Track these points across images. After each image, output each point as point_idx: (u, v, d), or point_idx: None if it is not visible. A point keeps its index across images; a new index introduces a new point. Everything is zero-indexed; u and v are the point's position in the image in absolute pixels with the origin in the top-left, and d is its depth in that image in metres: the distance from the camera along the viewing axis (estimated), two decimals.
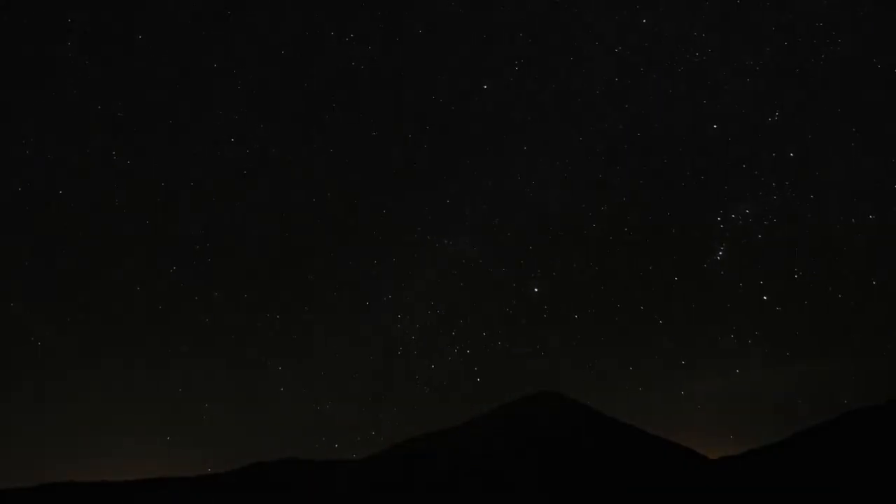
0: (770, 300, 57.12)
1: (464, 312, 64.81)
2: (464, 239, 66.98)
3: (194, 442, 59.47)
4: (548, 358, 62.83)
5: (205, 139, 67.18)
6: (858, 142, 57.43)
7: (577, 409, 50.02)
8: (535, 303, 64.14)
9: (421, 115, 67.96)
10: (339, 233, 67.96)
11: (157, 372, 63.12)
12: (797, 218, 58.83)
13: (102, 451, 58.74)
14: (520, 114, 68.23)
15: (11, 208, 61.62)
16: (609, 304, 63.52)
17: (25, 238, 63.03)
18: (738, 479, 37.44)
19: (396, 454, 47.03)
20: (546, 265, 65.89)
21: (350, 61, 65.24)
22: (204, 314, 63.02)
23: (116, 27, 63.99)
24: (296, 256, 67.66)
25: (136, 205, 64.33)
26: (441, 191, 67.37)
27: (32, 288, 62.06)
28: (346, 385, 64.40)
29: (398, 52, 66.75)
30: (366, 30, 65.11)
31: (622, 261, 64.52)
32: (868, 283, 55.73)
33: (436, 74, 68.47)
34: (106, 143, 63.06)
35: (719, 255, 59.05)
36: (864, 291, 56.10)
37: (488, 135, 69.02)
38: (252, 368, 64.29)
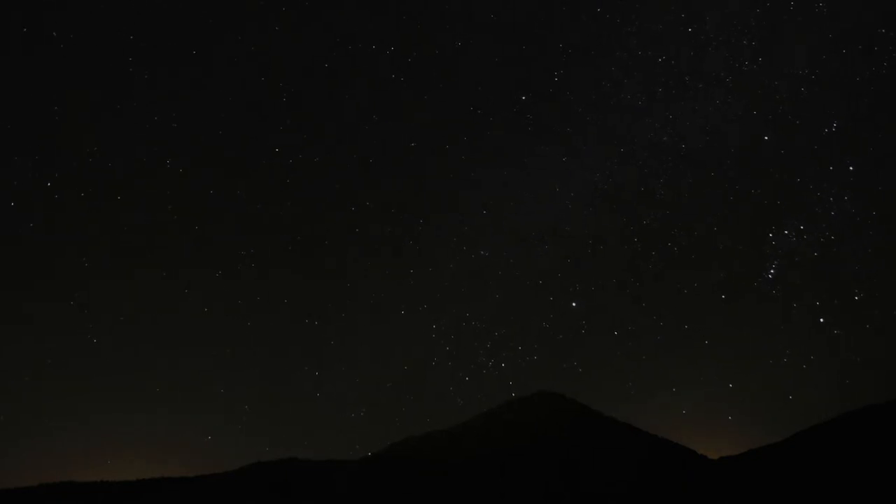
0: (827, 322, 53.60)
1: (499, 325, 62.82)
2: (501, 250, 64.85)
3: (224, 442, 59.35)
4: (585, 375, 60.45)
5: (258, 154, 67.42)
6: None
7: (577, 409, 49.97)
8: (573, 318, 61.66)
9: (458, 124, 66.57)
10: (377, 241, 66.56)
11: (187, 374, 63.27)
12: (858, 235, 54.82)
13: (102, 451, 58.76)
14: (559, 124, 65.82)
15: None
16: (650, 322, 60.62)
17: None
18: (738, 479, 37.43)
19: (396, 454, 47.00)
20: (585, 279, 63.70)
21: (391, 73, 64.12)
22: (245, 318, 63.24)
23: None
24: (334, 264, 66.85)
25: (185, 213, 64.68)
26: (478, 201, 65.52)
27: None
28: (378, 393, 63.63)
29: (435, 63, 65.56)
30: (404, 42, 64.03)
31: (665, 277, 61.65)
32: None
33: (475, 85, 66.66)
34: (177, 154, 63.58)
35: (770, 274, 55.74)
36: None
37: (526, 145, 66.51)
38: (288, 372, 63.84)
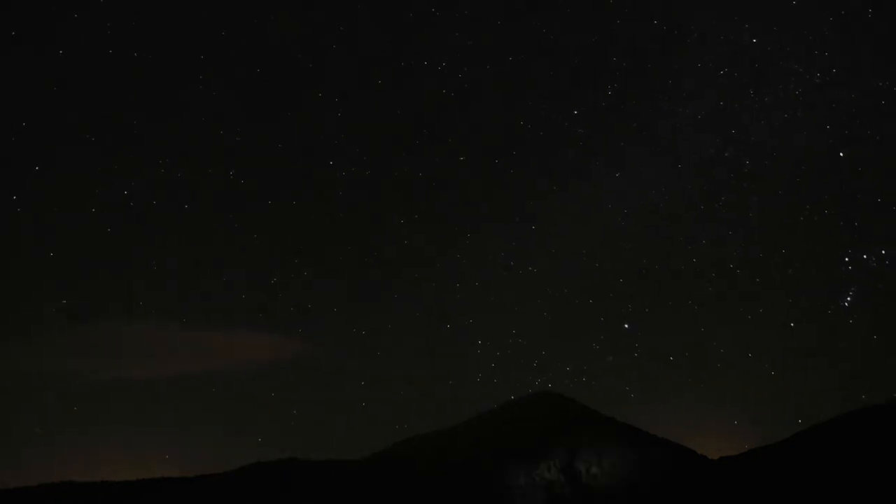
0: None
1: (546, 344, 59.63)
2: (550, 268, 61.71)
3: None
4: (638, 400, 56.19)
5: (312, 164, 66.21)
6: None
7: (577, 409, 49.94)
8: (625, 340, 57.87)
9: (508, 140, 64.07)
10: (422, 255, 64.79)
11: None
12: None
13: (102, 451, 58.71)
14: (612, 139, 62.36)
15: None
16: (710, 347, 55.81)
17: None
18: (738, 479, 37.44)
19: (396, 454, 47.01)
20: (639, 300, 59.90)
21: (441, 89, 62.25)
22: (297, 325, 63.15)
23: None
24: (380, 275, 65.15)
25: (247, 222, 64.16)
26: (527, 216, 63.01)
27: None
28: (423, 409, 63.37)
29: (485, 80, 63.24)
30: (456, 58, 62.42)
31: (726, 301, 56.93)
32: None
33: (525, 100, 64.66)
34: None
35: (847, 301, 50.69)
36: None
37: (578, 159, 62.84)
38: (334, 380, 63.06)
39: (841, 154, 54.28)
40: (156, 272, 62.04)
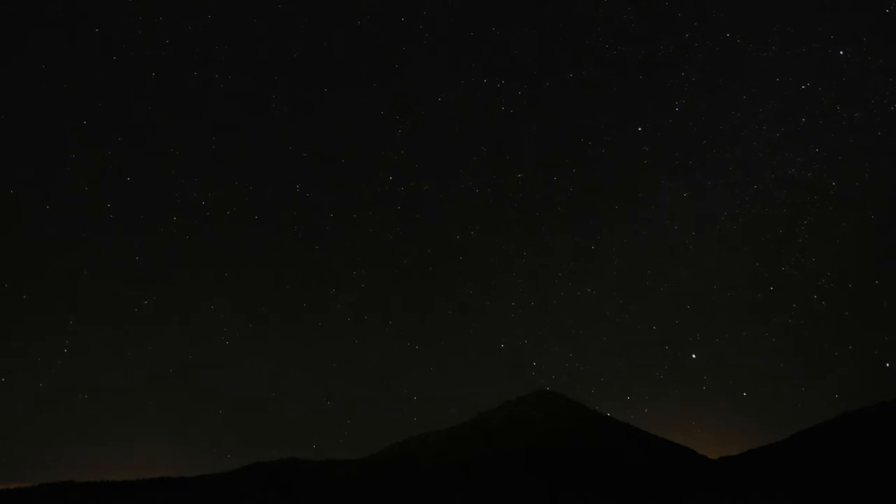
0: None
1: (606, 370, 56.40)
2: (610, 291, 58.73)
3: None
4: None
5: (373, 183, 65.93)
6: None
7: (577, 409, 49.93)
8: (693, 371, 53.11)
9: (569, 155, 61.57)
10: (475, 271, 64.06)
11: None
12: None
13: (102, 451, 58.75)
14: (679, 156, 58.77)
15: None
16: (790, 384, 51.19)
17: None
18: (738, 478, 37.41)
19: (396, 453, 47.01)
20: (707, 330, 56.25)
21: (500, 105, 60.63)
22: (352, 336, 63.17)
23: None
24: (436, 289, 65.47)
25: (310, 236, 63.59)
26: (586, 236, 60.50)
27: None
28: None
29: (544, 94, 61.08)
30: (517, 76, 61.75)
31: (808, 334, 51.74)
32: None
33: (588, 118, 62.22)
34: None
35: None
36: None
37: (643, 178, 59.65)
38: (384, 388, 63.48)
39: None
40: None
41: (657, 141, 58.26)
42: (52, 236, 62.21)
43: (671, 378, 53.35)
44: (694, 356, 52.25)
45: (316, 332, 64.83)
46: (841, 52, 51.65)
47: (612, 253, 58.25)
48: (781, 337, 52.03)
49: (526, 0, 61.89)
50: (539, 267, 60.04)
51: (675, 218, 56.63)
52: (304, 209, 62.36)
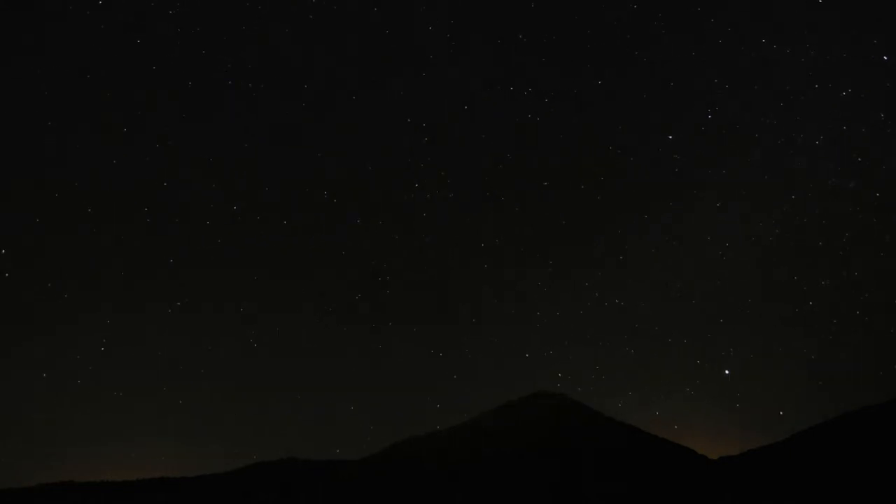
0: None
1: (634, 384, 54.45)
2: (641, 302, 56.49)
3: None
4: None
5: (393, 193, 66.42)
6: None
7: (577, 409, 49.92)
8: (725, 387, 51.49)
9: (597, 163, 59.55)
10: (500, 283, 62.61)
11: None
12: None
13: (102, 451, 58.77)
14: (712, 166, 55.83)
15: None
16: (824, 404, 49.90)
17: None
18: (738, 479, 37.40)
19: (396, 454, 46.97)
20: (741, 344, 53.05)
21: (527, 114, 59.01)
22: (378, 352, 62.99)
23: None
24: (459, 298, 64.78)
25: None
26: (617, 247, 57.95)
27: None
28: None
29: (572, 103, 59.66)
30: (544, 83, 59.52)
31: (850, 351, 49.30)
32: None
33: (616, 126, 60.16)
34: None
35: None
36: None
37: (672, 187, 56.80)
38: (410, 403, 63.01)
39: None
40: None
41: (688, 149, 56.03)
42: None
43: (702, 393, 51.32)
44: (727, 372, 50.70)
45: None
46: (885, 57, 48.56)
47: (644, 262, 56.81)
48: (824, 354, 50.04)
49: (554, 7, 60.53)
50: (565, 277, 58.41)
51: (707, 228, 53.87)
52: (329, 214, 62.15)
